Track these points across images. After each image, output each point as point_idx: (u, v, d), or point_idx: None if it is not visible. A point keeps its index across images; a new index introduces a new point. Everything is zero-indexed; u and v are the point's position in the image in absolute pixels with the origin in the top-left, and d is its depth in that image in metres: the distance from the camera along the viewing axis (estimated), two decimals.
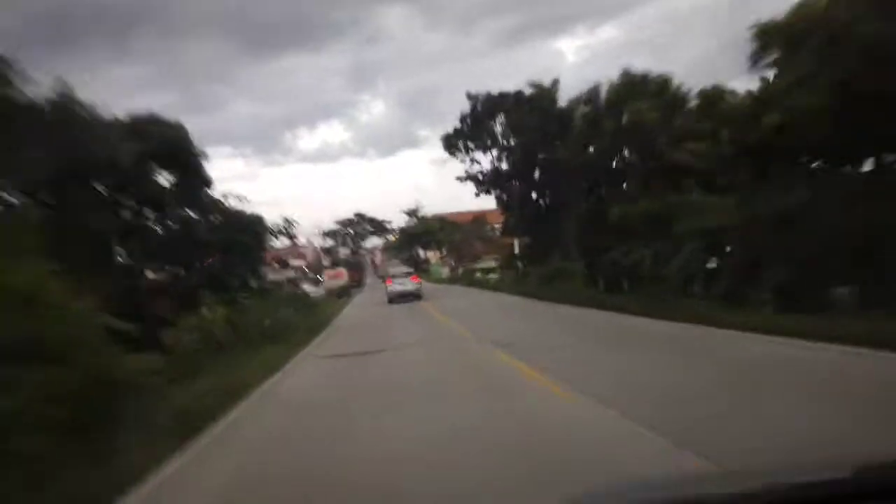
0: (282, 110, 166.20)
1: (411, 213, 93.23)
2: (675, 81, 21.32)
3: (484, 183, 42.37)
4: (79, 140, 14.46)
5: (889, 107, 11.42)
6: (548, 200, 38.78)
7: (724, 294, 15.31)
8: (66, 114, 14.45)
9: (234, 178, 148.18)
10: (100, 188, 17.33)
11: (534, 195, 40.48)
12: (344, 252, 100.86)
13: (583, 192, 35.13)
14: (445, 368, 11.30)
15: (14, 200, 14.21)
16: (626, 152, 22.90)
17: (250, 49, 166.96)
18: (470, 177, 42.75)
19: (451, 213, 76.14)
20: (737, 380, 7.97)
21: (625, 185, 24.10)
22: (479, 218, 65.35)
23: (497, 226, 54.87)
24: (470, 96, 39.46)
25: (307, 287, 56.69)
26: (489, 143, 41.20)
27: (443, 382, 9.85)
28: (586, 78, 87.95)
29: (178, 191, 18.76)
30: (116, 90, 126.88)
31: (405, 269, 41.55)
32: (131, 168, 16.51)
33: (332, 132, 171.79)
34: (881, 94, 11.38)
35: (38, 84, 13.62)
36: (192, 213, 19.47)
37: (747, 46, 14.44)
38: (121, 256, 18.33)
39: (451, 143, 42.07)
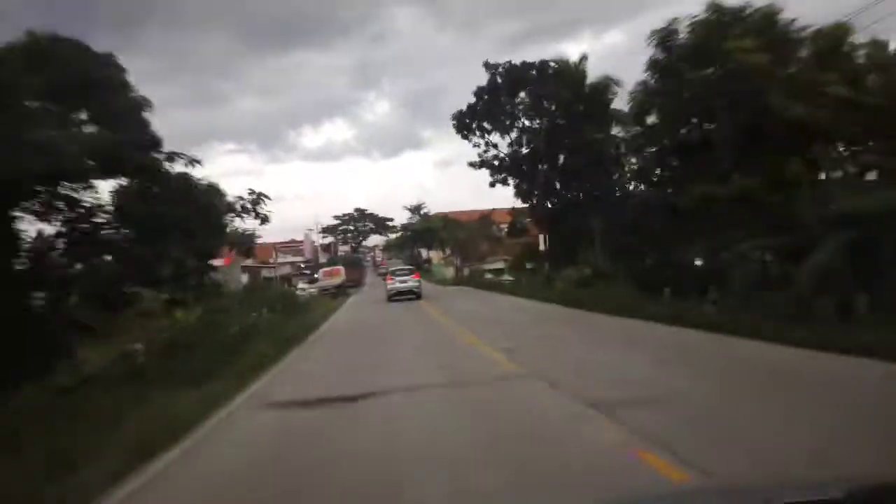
0: (286, 107, 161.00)
1: (414, 210, 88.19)
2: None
3: (501, 170, 36.74)
4: None
5: None
6: (576, 191, 33.16)
7: None
8: None
9: (239, 174, 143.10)
10: None
11: (556, 185, 34.95)
12: (344, 249, 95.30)
13: (625, 177, 29.68)
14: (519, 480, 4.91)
15: None
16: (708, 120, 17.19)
17: (256, 45, 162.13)
18: (484, 163, 37.10)
19: (455, 212, 71.50)
20: None
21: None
22: (485, 217, 60.42)
23: (504, 226, 50.08)
24: (489, 66, 33.72)
25: (301, 285, 51.37)
26: (508, 123, 35.57)
27: None
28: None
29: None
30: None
31: (406, 266, 39.04)
32: None
33: (336, 130, 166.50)
34: None
35: None
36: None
37: None
38: None
39: (464, 124, 36.39)
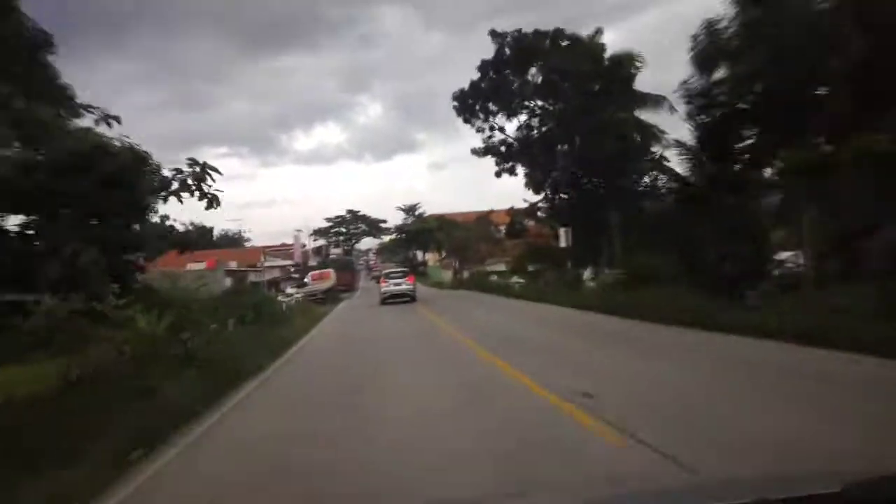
0: (277, 110, 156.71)
1: (408, 211, 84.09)
2: None
3: (509, 157, 32.39)
4: None
5: None
6: (599, 178, 28.80)
7: None
8: None
9: (231, 178, 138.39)
10: None
11: (576, 173, 30.58)
12: (336, 253, 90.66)
13: (658, 162, 25.31)
14: None
15: None
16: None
17: (246, 47, 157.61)
18: (489, 149, 32.75)
19: (452, 213, 67.84)
20: None
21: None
22: (483, 217, 56.46)
23: (502, 227, 46.62)
24: (496, 35, 29.29)
25: (290, 290, 47.05)
26: (517, 103, 31.20)
27: None
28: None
29: None
30: (110, 85, 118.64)
31: (400, 269, 36.92)
32: None
33: (328, 133, 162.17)
34: None
35: None
36: None
37: None
38: None
39: (467, 105, 31.99)
